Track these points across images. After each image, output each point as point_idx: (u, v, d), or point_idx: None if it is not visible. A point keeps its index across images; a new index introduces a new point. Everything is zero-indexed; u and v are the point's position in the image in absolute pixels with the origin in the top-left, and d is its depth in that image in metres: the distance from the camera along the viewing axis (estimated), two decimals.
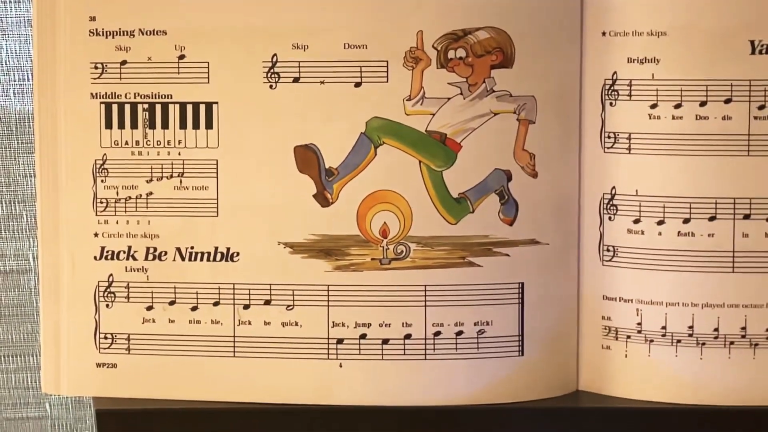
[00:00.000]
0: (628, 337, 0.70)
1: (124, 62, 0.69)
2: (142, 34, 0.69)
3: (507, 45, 0.68)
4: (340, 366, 0.70)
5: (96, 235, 0.70)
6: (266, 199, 0.69)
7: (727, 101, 0.67)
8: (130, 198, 0.70)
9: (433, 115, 0.68)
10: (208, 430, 0.71)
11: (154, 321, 0.70)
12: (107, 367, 0.71)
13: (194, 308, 0.70)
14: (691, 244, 0.68)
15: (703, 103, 0.67)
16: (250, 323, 0.70)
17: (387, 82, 0.68)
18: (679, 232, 0.68)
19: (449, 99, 0.68)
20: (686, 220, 0.68)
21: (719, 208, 0.68)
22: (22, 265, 0.96)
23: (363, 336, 0.69)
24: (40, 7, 0.69)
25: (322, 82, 0.68)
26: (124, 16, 0.69)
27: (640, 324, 0.70)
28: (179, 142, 0.70)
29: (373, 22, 0.68)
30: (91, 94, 0.70)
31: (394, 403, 0.69)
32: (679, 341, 0.69)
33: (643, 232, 0.69)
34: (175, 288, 0.70)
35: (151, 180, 0.70)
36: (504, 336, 0.70)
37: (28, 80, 0.92)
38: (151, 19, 0.69)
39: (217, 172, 0.70)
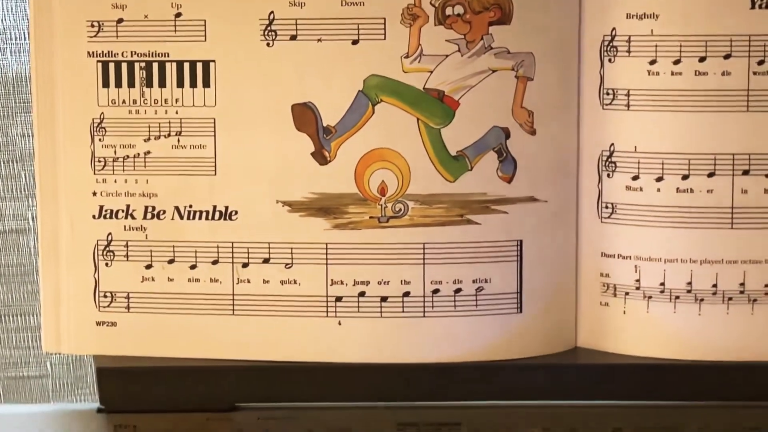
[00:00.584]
0: (627, 293, 0.70)
1: (120, 20, 0.69)
2: None
3: (505, 1, 0.68)
4: (339, 324, 0.70)
5: (94, 194, 0.71)
6: (264, 158, 0.70)
7: (727, 57, 0.67)
8: (128, 157, 0.70)
9: (431, 72, 0.68)
10: (208, 387, 0.71)
11: (153, 279, 0.71)
12: (107, 325, 0.71)
13: (193, 267, 0.70)
14: (690, 201, 0.68)
15: (702, 59, 0.67)
16: (249, 281, 0.70)
17: (384, 39, 0.68)
18: (677, 188, 0.68)
19: (447, 56, 0.68)
20: (685, 177, 0.68)
21: (718, 164, 0.68)
22: (21, 225, 0.95)
23: (362, 294, 0.70)
24: None
25: (319, 40, 0.68)
26: None
27: (638, 281, 0.70)
28: (176, 100, 0.70)
29: None
30: (88, 52, 0.70)
31: (393, 360, 0.70)
32: (677, 297, 0.69)
33: (641, 189, 0.69)
34: (173, 247, 0.70)
35: (149, 139, 0.70)
36: (502, 293, 0.70)
37: (25, 39, 0.92)
38: None
39: (214, 131, 0.70)
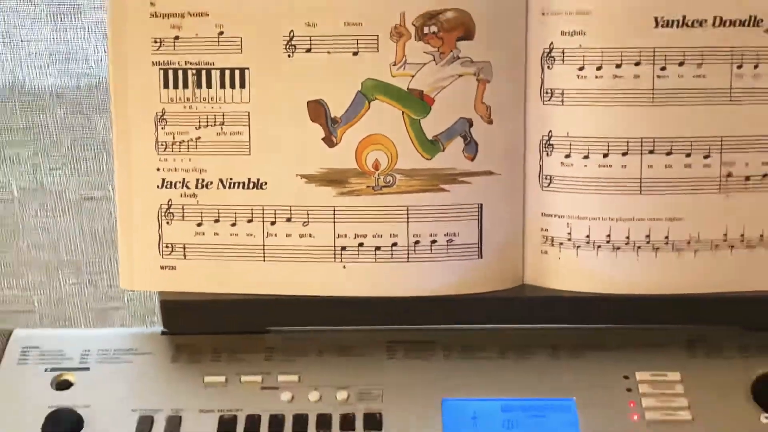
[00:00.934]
0: (561, 244, 0.75)
1: (177, 37, 0.74)
2: (190, 15, 0.74)
3: (469, 22, 0.73)
4: (344, 267, 0.75)
5: (158, 169, 0.76)
6: (287, 142, 0.74)
7: (637, 64, 0.72)
8: (183, 141, 0.75)
9: (413, 76, 0.74)
10: (246, 315, 0.77)
11: (203, 234, 0.76)
12: (169, 269, 0.77)
13: (233, 224, 0.75)
14: (609, 173, 0.73)
15: (618, 66, 0.72)
16: (275, 235, 0.75)
17: (378, 51, 0.73)
18: (599, 164, 0.74)
19: (425, 64, 0.73)
20: (605, 155, 0.73)
21: (630, 145, 0.73)
22: (104, 194, 1.00)
23: (361, 244, 0.75)
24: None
25: (328, 52, 0.73)
26: (176, 2, 0.73)
27: (569, 234, 0.75)
28: (220, 98, 0.74)
29: (367, 4, 0.73)
30: (152, 62, 0.74)
31: (385, 294, 0.75)
32: (599, 247, 0.75)
33: (572, 165, 0.74)
34: (218, 209, 0.76)
35: (199, 128, 0.75)
36: (467, 244, 0.75)
37: (105, 53, 0.92)
38: (196, 4, 0.74)
39: (249, 122, 0.74)
